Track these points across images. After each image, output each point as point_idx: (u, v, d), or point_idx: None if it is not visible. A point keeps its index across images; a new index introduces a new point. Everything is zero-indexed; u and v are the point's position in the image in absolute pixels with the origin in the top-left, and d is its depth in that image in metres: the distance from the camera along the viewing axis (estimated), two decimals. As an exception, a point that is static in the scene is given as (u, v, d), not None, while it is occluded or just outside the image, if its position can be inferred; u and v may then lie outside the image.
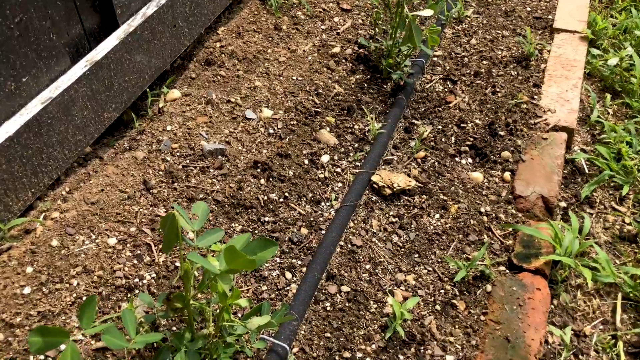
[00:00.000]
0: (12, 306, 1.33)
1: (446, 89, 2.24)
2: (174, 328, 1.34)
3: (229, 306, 1.11)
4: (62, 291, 1.38)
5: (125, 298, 1.40)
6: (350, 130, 2.01)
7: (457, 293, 1.53)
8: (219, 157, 1.81)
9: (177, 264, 1.49)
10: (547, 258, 1.57)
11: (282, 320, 1.15)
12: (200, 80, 2.09)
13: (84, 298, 1.37)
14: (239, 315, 1.38)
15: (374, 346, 1.39)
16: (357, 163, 1.88)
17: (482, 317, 1.47)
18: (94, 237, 1.51)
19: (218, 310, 1.14)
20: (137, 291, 1.42)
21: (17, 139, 1.45)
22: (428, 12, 1.98)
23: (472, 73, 2.31)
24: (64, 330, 0.90)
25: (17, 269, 1.40)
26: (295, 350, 1.35)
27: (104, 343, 0.95)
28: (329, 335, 1.39)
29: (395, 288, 1.52)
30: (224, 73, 2.13)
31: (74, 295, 1.38)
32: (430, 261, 1.61)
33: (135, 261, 1.47)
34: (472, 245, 1.66)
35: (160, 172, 1.73)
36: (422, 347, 1.40)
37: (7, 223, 1.47)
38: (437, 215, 1.74)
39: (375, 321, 1.44)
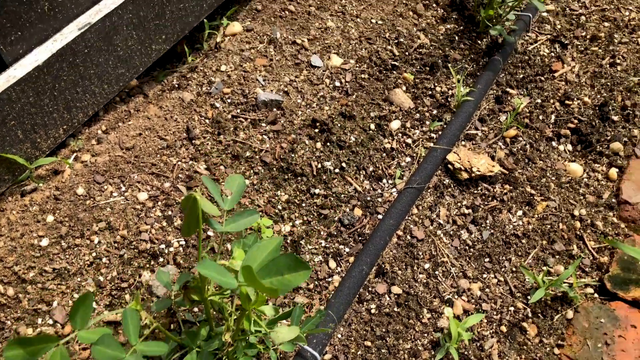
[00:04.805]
0: (27, 258, 1.21)
1: (553, 54, 1.86)
2: (191, 316, 1.18)
3: (252, 310, 0.92)
4: (82, 248, 1.25)
5: (147, 265, 1.25)
6: (430, 93, 1.71)
7: (530, 314, 1.28)
8: (274, 109, 1.59)
9: (211, 232, 1.32)
10: (650, 289, 1.28)
11: (314, 331, 0.96)
12: (265, 14, 1.83)
13: (104, 260, 1.24)
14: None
15: (420, 364, 1.18)
16: (433, 135, 1.60)
17: (556, 351, 1.22)
18: (123, 189, 1.35)
19: (239, 313, 0.96)
20: (161, 259, 1.26)
21: (48, 69, 1.28)
22: (549, -43, 1.59)
23: (588, 37, 1.91)
24: (50, 337, 0.74)
25: (37, 216, 1.27)
26: (327, 357, 1.16)
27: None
28: (369, 344, 1.19)
29: (456, 297, 1.29)
30: (294, 8, 1.85)
31: (94, 254, 1.24)
32: (502, 269, 1.35)
33: (164, 223, 1.31)
34: (557, 256, 1.38)
35: (207, 120, 1.53)
36: (477, 376, 1.18)
37: (35, 161, 1.34)
38: (520, 213, 1.46)
39: (426, 334, 1.22)
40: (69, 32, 1.31)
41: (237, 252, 0.94)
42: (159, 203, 1.35)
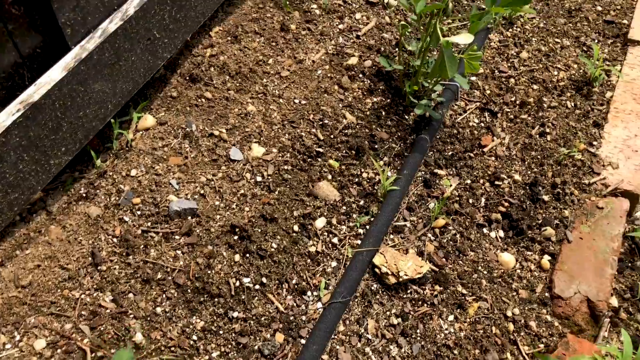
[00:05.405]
0: None
1: (482, 125, 1.81)
2: None
3: None
4: (-31, 418, 1.12)
5: None
6: (357, 180, 1.64)
7: None
8: (189, 218, 1.48)
9: (116, 381, 1.21)
10: (585, 404, 1.22)
11: None
12: (180, 103, 1.73)
13: None
14: None
15: None
16: (361, 230, 1.52)
17: None
18: (17, 338, 1.23)
19: None
20: (60, 421, 1.15)
21: None
22: (466, 39, 1.53)
23: (517, 102, 1.87)
24: None
25: None
26: None
27: None
28: None
29: None
30: (210, 95, 1.75)
31: None
32: (434, 388, 1.28)
33: (64, 375, 1.20)
34: (491, 367, 1.32)
35: (114, 239, 1.42)
36: None
37: None
38: (451, 317, 1.39)
39: None
40: (-57, 173, 1.19)
41: None
42: (59, 350, 1.23)
